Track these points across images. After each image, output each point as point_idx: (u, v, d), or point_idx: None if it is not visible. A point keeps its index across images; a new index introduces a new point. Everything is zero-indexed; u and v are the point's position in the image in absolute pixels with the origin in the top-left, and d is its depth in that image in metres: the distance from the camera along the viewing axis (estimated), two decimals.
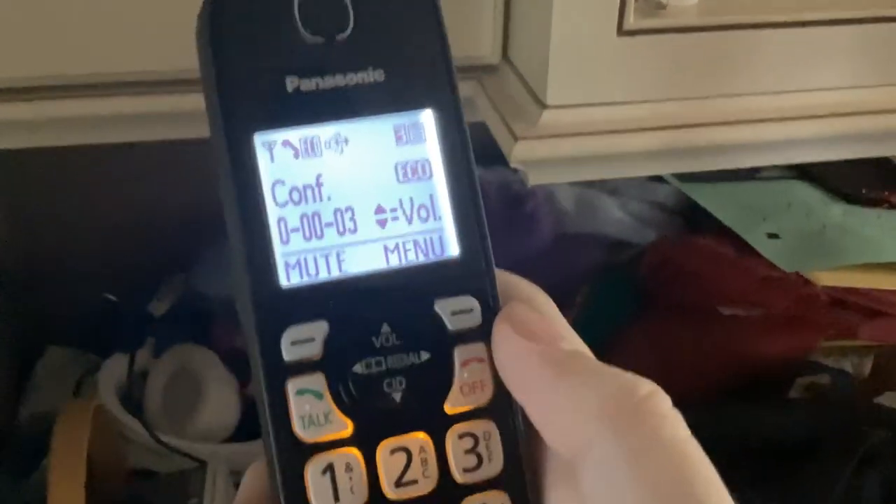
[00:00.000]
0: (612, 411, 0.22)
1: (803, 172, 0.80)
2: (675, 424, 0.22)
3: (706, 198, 0.74)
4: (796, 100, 0.45)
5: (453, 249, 0.25)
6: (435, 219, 0.25)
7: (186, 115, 0.45)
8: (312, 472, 0.24)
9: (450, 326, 0.25)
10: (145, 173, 0.79)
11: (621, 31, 0.41)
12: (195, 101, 0.45)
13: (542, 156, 0.43)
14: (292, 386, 0.24)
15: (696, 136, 0.44)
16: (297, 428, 0.24)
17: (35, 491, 0.59)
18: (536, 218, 0.73)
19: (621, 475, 0.21)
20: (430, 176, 0.25)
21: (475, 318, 0.25)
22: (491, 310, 0.25)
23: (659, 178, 0.78)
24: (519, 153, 0.43)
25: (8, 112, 0.44)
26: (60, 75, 0.43)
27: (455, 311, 0.25)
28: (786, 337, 0.67)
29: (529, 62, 0.44)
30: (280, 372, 0.24)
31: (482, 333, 0.25)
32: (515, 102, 0.44)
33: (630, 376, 0.23)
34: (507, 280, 0.26)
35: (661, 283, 0.73)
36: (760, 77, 0.44)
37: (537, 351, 0.24)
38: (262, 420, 0.24)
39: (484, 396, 0.25)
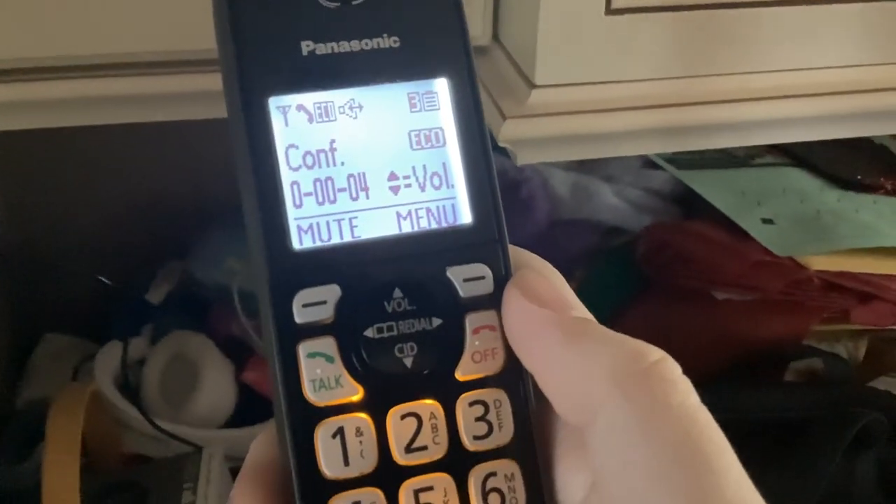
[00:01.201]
0: (621, 376, 0.22)
1: (798, 159, 0.80)
2: (686, 390, 0.22)
3: (701, 184, 0.74)
4: (789, 79, 0.45)
5: (466, 217, 0.25)
6: (448, 186, 0.25)
7: (186, 97, 0.45)
8: (322, 436, 0.24)
9: (462, 293, 0.25)
10: (144, 161, 0.79)
11: (609, 10, 0.42)
12: (195, 83, 0.46)
13: (530, 135, 0.43)
14: (303, 349, 0.24)
15: (686, 116, 0.45)
16: (308, 391, 0.24)
17: (30, 475, 0.59)
18: (531, 204, 0.73)
19: (630, 439, 0.21)
20: (444, 144, 0.25)
21: (487, 286, 0.25)
22: (503, 278, 0.25)
23: (654, 165, 0.78)
24: (507, 132, 0.43)
25: (4, 93, 0.44)
26: (57, 56, 0.44)
27: (467, 278, 0.25)
28: (779, 321, 0.67)
29: (518, 42, 0.44)
30: (291, 334, 0.24)
31: (494, 301, 0.25)
32: (505, 82, 0.44)
33: (639, 343, 0.23)
34: (516, 253, 0.26)
35: (657, 268, 0.74)
36: (752, 55, 0.44)
37: (547, 316, 0.24)
38: (272, 384, 0.24)
39: (495, 365, 0.25)
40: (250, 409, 0.73)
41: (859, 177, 0.76)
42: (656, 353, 0.22)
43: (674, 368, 0.22)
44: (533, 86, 0.42)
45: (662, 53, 0.43)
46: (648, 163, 0.78)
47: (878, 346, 0.70)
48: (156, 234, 0.81)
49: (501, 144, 0.44)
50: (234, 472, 0.67)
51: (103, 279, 0.74)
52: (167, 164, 0.81)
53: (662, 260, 0.73)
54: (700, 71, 0.44)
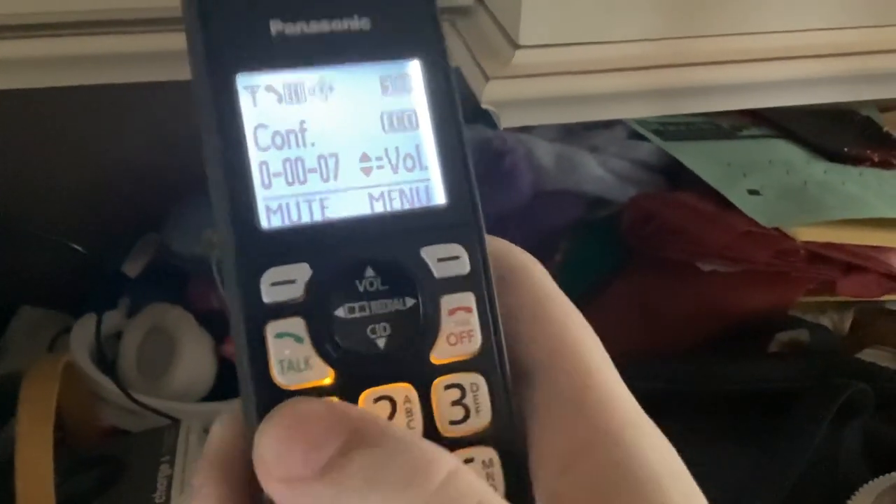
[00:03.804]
0: None
1: (785, 131, 0.79)
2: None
3: (687, 155, 0.73)
4: (779, 40, 0.44)
5: (440, 199, 0.25)
6: (421, 168, 0.25)
7: (162, 56, 0.44)
8: None
9: (436, 273, 0.24)
10: (121, 132, 0.78)
11: None
12: (169, 41, 0.44)
13: (514, 96, 0.43)
14: (271, 329, 0.23)
15: (674, 77, 0.44)
16: (276, 373, 0.23)
17: (4, 448, 0.58)
18: (515, 174, 0.72)
19: None
20: (417, 126, 0.25)
21: (463, 267, 0.24)
22: (479, 259, 0.25)
23: (639, 136, 0.77)
24: (490, 94, 0.42)
25: None
26: (27, 13, 0.42)
27: (442, 258, 0.24)
28: (765, 292, 0.66)
29: (502, 2, 0.43)
30: (259, 314, 0.23)
31: (470, 282, 0.24)
32: (488, 43, 0.43)
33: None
34: (500, 247, 0.26)
35: (642, 238, 0.73)
36: (740, 17, 0.43)
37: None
38: (239, 366, 0.23)
39: (471, 347, 0.24)
40: (230, 382, 0.72)
41: (846, 149, 0.76)
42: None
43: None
44: (517, 46, 0.41)
45: (650, 14, 0.42)
46: (634, 134, 0.78)
47: (863, 317, 0.70)
48: (133, 206, 0.80)
49: (484, 106, 0.43)
50: None
51: (76, 247, 0.72)
52: (144, 136, 0.80)
53: (647, 231, 0.72)
54: (688, 32, 0.43)
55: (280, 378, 0.23)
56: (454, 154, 0.25)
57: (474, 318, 0.24)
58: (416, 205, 0.25)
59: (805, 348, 0.66)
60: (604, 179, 0.75)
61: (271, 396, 0.22)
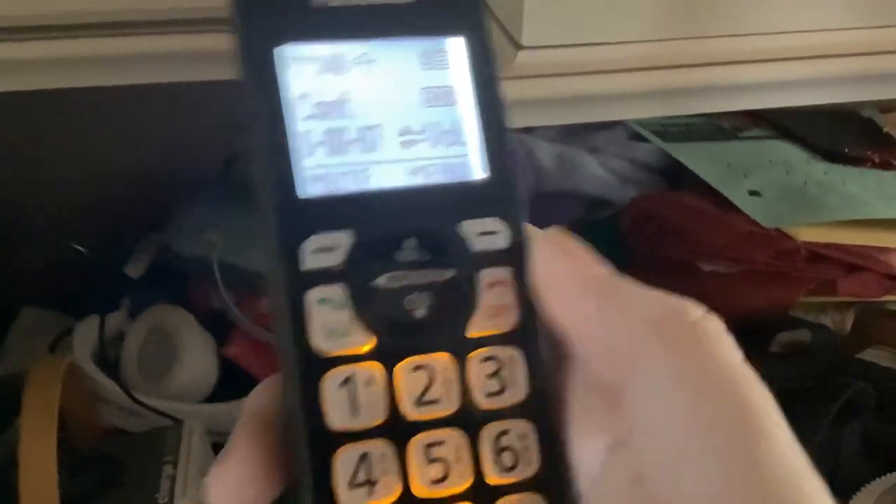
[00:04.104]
0: (666, 331, 0.21)
1: (785, 132, 0.79)
2: (732, 348, 0.21)
3: (687, 156, 0.73)
4: (782, 41, 0.44)
5: (479, 174, 0.25)
6: (460, 144, 0.25)
7: (165, 57, 0.44)
8: (330, 386, 0.23)
9: (476, 247, 0.24)
10: (122, 132, 0.78)
11: None
12: (172, 43, 0.44)
13: (516, 97, 0.42)
14: (313, 295, 0.23)
15: (677, 78, 0.44)
16: (317, 339, 0.23)
17: (7, 449, 0.58)
18: (516, 175, 0.72)
19: (675, 395, 0.21)
20: (456, 102, 0.25)
21: (502, 241, 0.24)
22: (518, 234, 0.25)
23: (640, 137, 0.77)
24: None
25: None
26: (27, 15, 0.42)
27: (481, 232, 0.24)
28: (766, 292, 0.67)
29: (505, 2, 0.43)
30: (301, 281, 0.23)
31: (509, 257, 0.24)
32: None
33: (680, 299, 0.22)
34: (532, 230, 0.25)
35: (643, 239, 0.73)
36: (744, 17, 0.43)
37: (583, 273, 0.23)
38: (278, 333, 0.23)
39: (509, 322, 0.24)
40: (232, 383, 0.72)
41: (846, 149, 0.76)
42: (698, 310, 0.22)
43: (719, 325, 0.22)
44: (519, 47, 0.42)
45: (651, 15, 0.42)
46: (634, 134, 0.78)
47: (864, 317, 0.70)
48: (134, 207, 0.80)
49: None
50: (216, 447, 0.66)
51: (78, 247, 0.72)
52: (145, 137, 0.80)
53: (648, 232, 0.72)
54: (690, 33, 0.43)
55: (320, 344, 0.23)
56: (494, 131, 0.25)
57: (512, 293, 0.24)
58: (456, 179, 0.25)
59: (806, 348, 0.66)
60: (604, 180, 0.76)
61: (310, 362, 0.23)
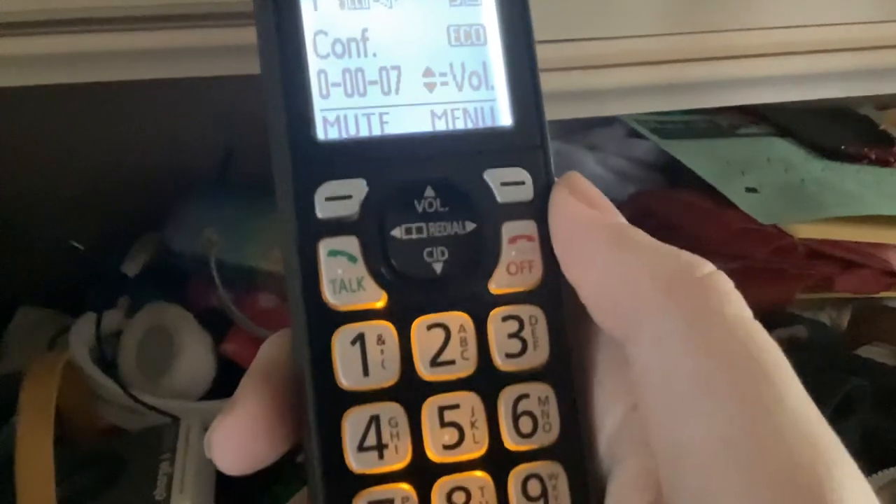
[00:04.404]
0: (673, 285, 0.21)
1: (783, 129, 0.79)
2: (740, 302, 0.21)
3: (685, 153, 0.73)
4: (783, 36, 0.44)
5: (506, 120, 0.24)
6: (487, 88, 0.24)
7: (162, 53, 0.44)
8: (341, 342, 0.22)
9: (499, 198, 0.23)
10: (117, 131, 0.78)
11: None
12: (171, 39, 0.44)
13: None
14: (324, 246, 0.22)
15: (677, 73, 0.44)
16: (328, 293, 0.22)
17: (4, 447, 0.58)
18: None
19: (681, 348, 0.20)
20: (485, 42, 0.24)
21: (527, 193, 0.23)
22: (544, 186, 0.23)
23: (638, 135, 0.77)
24: None
25: None
26: (25, 11, 0.42)
27: (506, 181, 0.23)
28: (763, 289, 0.66)
29: None
30: (312, 230, 0.22)
31: (534, 210, 0.23)
32: None
33: (689, 254, 0.22)
34: None
35: None
36: (745, 11, 0.43)
37: (596, 218, 0.22)
38: (288, 285, 0.22)
39: (532, 279, 0.23)
40: (230, 381, 0.72)
41: (844, 147, 0.76)
42: (709, 266, 0.21)
43: (727, 281, 0.21)
44: None
45: (649, 10, 0.42)
46: (632, 132, 0.78)
47: (861, 314, 0.70)
48: (132, 205, 0.80)
49: None
50: None
51: (75, 244, 0.72)
52: (143, 135, 0.79)
53: (646, 229, 0.72)
54: (688, 28, 0.43)
55: (331, 298, 0.22)
56: (523, 74, 0.24)
57: (536, 248, 0.23)
58: (481, 125, 0.24)
59: (803, 345, 0.66)
60: (602, 178, 0.76)
61: (321, 316, 0.22)
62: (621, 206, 0.75)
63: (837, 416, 0.57)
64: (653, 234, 0.75)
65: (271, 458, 0.22)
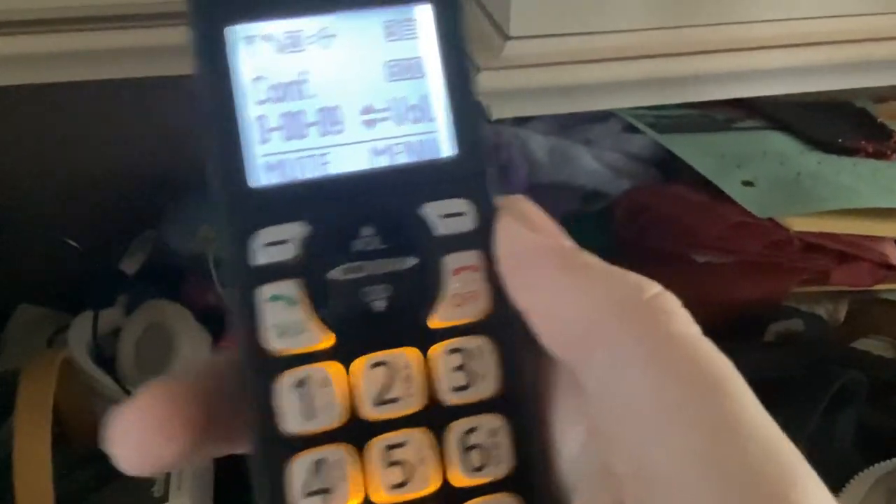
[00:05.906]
0: (621, 308, 0.20)
1: (779, 123, 0.79)
2: (687, 320, 0.21)
3: (681, 147, 0.73)
4: (774, 29, 0.44)
5: (447, 151, 0.23)
6: (428, 120, 0.23)
7: (159, 51, 0.44)
8: (284, 387, 0.22)
9: (440, 230, 0.23)
10: (114, 129, 0.78)
11: None
12: (166, 37, 0.44)
13: (505, 87, 0.43)
14: (264, 291, 0.22)
15: (667, 67, 0.44)
16: (269, 338, 0.22)
17: (2, 445, 0.58)
18: (510, 168, 0.72)
19: (634, 371, 0.20)
20: (423, 75, 0.23)
21: (468, 223, 0.23)
22: (486, 215, 0.23)
23: (633, 129, 0.77)
24: (481, 85, 0.42)
25: None
26: (23, 9, 0.42)
27: (446, 213, 0.23)
28: (759, 283, 0.67)
29: None
30: (252, 276, 0.22)
31: (476, 240, 0.23)
32: (478, 34, 0.43)
33: (637, 276, 0.21)
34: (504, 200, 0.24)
35: (636, 230, 0.73)
36: (735, 5, 0.43)
37: (545, 244, 0.22)
38: (234, 330, 0.22)
39: (478, 309, 0.23)
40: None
41: (840, 140, 0.76)
42: (655, 287, 0.21)
43: (674, 300, 0.21)
44: (507, 37, 0.42)
45: (640, 3, 0.42)
46: (628, 127, 0.78)
47: (857, 307, 0.70)
48: (130, 203, 0.80)
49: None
50: None
51: (73, 243, 0.72)
52: (141, 133, 0.79)
53: (642, 223, 0.72)
54: (680, 21, 0.43)
55: (273, 343, 0.22)
56: (463, 104, 0.23)
57: (482, 278, 0.23)
58: (424, 158, 0.23)
59: (799, 338, 0.66)
60: (598, 172, 0.76)
61: (263, 362, 0.22)
62: (617, 201, 0.75)
63: (834, 408, 0.57)
64: (648, 229, 0.75)
65: (171, 456, 0.21)
